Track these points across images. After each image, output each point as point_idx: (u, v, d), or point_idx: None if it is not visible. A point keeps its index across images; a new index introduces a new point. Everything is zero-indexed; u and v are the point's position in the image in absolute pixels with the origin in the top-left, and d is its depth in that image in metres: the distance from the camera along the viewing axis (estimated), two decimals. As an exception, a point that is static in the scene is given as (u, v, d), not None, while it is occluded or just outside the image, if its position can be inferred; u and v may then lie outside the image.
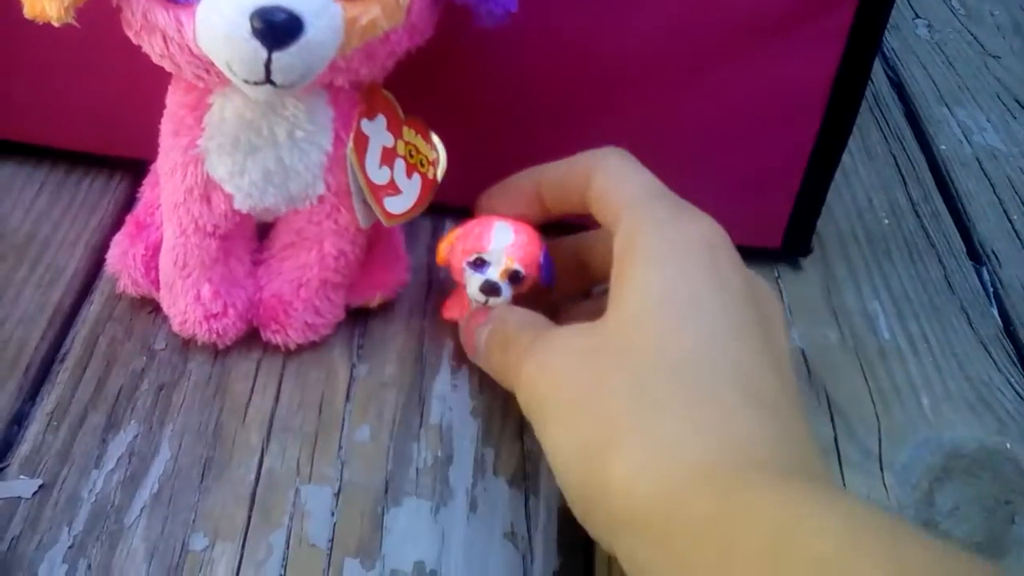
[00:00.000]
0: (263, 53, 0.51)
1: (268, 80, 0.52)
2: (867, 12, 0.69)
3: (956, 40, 1.13)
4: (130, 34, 0.57)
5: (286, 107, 0.58)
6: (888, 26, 1.11)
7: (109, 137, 0.76)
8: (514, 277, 0.58)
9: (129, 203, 0.76)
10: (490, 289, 0.58)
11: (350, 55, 0.56)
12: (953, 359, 0.74)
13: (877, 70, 1.06)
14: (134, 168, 0.77)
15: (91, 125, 0.76)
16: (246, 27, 0.50)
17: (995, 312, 0.79)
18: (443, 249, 0.61)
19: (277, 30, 0.51)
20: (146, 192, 0.69)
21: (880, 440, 0.68)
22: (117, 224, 0.73)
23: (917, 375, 0.73)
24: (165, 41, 0.55)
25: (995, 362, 0.74)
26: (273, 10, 0.51)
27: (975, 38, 1.14)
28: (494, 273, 0.58)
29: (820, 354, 0.73)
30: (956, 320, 0.77)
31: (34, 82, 0.74)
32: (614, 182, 0.58)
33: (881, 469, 0.66)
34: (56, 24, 0.54)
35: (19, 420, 0.62)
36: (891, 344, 0.75)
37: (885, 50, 1.10)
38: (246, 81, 0.53)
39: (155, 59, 0.57)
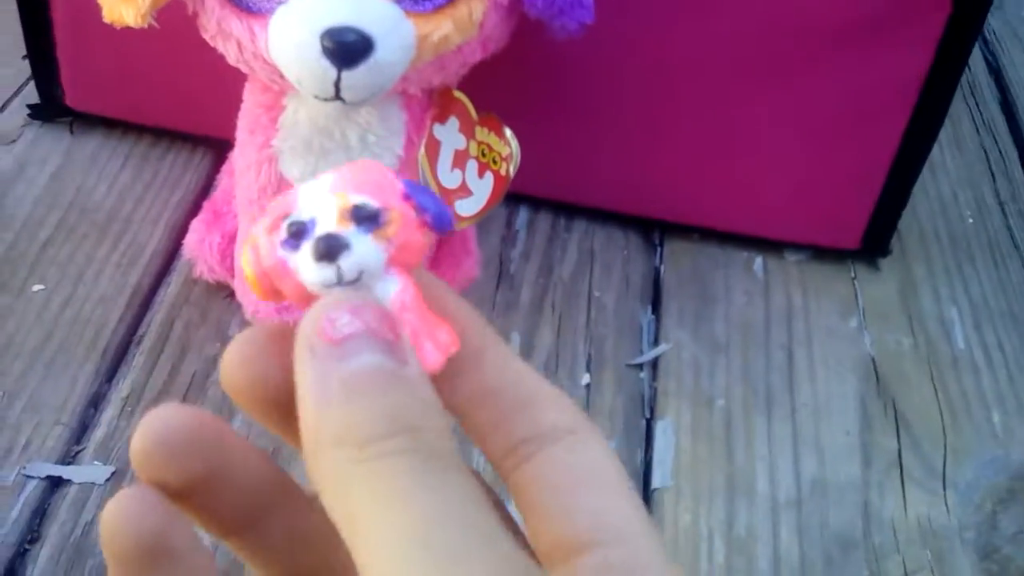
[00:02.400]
0: (333, 72, 0.51)
1: (337, 96, 0.53)
2: (959, 20, 0.67)
3: (1062, 20, 1.10)
4: (206, 37, 0.58)
5: (359, 112, 0.59)
6: (992, 7, 1.08)
7: (192, 115, 0.77)
8: (364, 216, 0.29)
9: (210, 180, 0.77)
10: (327, 249, 0.29)
11: (422, 67, 0.56)
12: (1029, 372, 0.73)
13: (975, 54, 1.03)
14: (215, 145, 0.78)
15: (175, 102, 0.77)
16: (316, 46, 0.51)
17: (1076, 322, 0.77)
18: (246, 267, 0.30)
19: (347, 50, 0.51)
20: (223, 180, 0.70)
21: (945, 456, 0.67)
22: (198, 202, 0.74)
23: (989, 388, 0.72)
24: (240, 48, 0.55)
25: (1071, 377, 0.73)
26: (344, 30, 0.51)
27: (1082, 17, 1.11)
28: (324, 226, 0.29)
29: (891, 362, 0.72)
30: (1035, 329, 0.76)
31: (120, 58, 0.75)
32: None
33: (944, 487, 0.66)
34: (134, 27, 0.55)
35: (95, 403, 0.64)
36: (965, 354, 0.74)
37: (986, 32, 1.06)
38: (316, 97, 0.53)
39: (231, 62, 0.58)
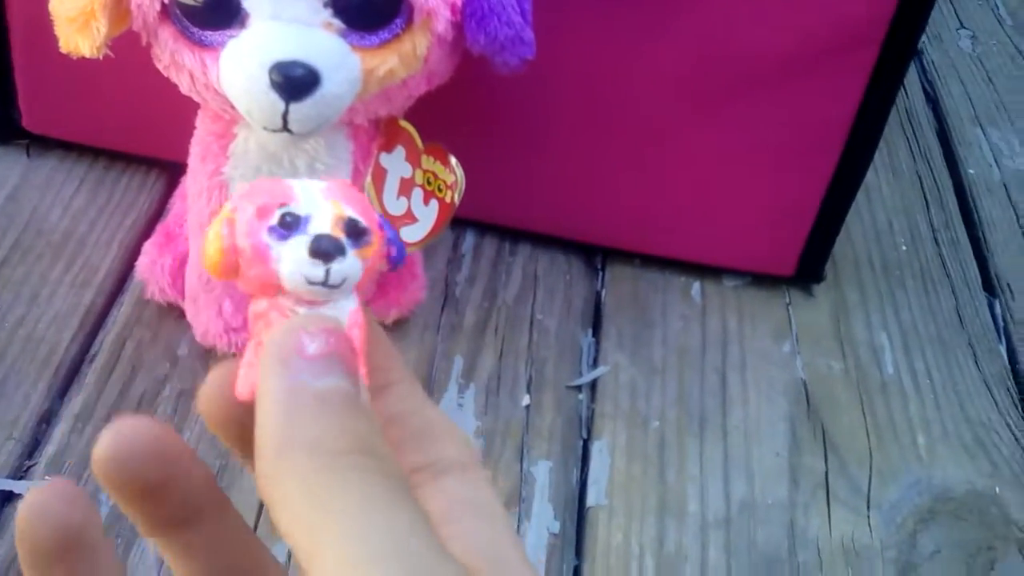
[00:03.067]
0: (280, 105, 0.54)
1: (285, 128, 0.55)
2: (890, 53, 0.70)
3: (999, 53, 1.13)
4: (160, 67, 0.59)
5: (307, 141, 0.61)
6: (930, 36, 1.12)
7: (147, 138, 0.79)
8: (356, 231, 0.31)
9: (163, 202, 0.79)
10: (324, 251, 0.30)
11: (368, 99, 0.58)
12: (954, 397, 0.76)
13: (913, 83, 1.06)
14: (169, 168, 0.80)
15: (130, 125, 0.79)
16: (265, 80, 0.53)
17: (1003, 349, 0.80)
18: (214, 239, 0.31)
19: (295, 84, 0.53)
20: (176, 204, 0.72)
21: (871, 478, 0.70)
22: (151, 224, 0.76)
23: (916, 413, 0.74)
24: (192, 80, 0.58)
25: (996, 403, 0.76)
26: (291, 65, 0.53)
27: (1019, 51, 1.14)
28: (319, 226, 0.30)
29: (822, 386, 0.75)
30: (962, 356, 0.79)
31: (74, 81, 0.77)
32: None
33: (868, 507, 0.68)
34: (89, 57, 0.57)
35: (47, 419, 0.66)
36: (894, 379, 0.76)
37: (924, 62, 1.10)
38: (264, 128, 0.55)
39: (183, 91, 0.60)
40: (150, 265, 0.70)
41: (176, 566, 0.30)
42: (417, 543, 0.24)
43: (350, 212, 0.31)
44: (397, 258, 0.32)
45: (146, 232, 0.76)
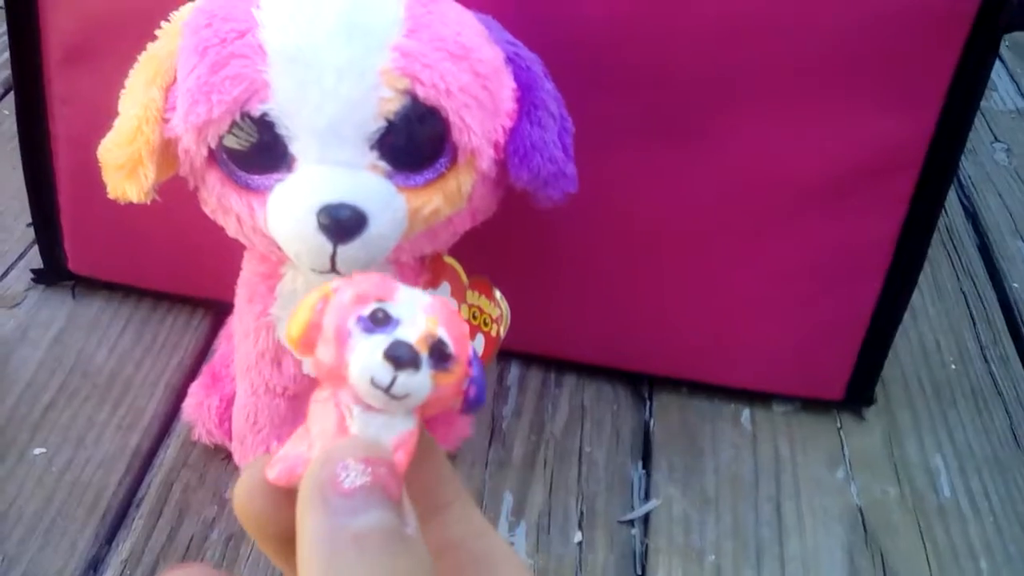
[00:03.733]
0: (328, 247, 0.54)
1: (333, 269, 0.55)
2: (929, 178, 0.70)
3: (1035, 165, 1.13)
4: (207, 211, 0.60)
5: (353, 280, 0.61)
6: (965, 151, 1.12)
7: (192, 279, 0.80)
8: (441, 353, 0.30)
9: (209, 342, 0.79)
10: (399, 357, 0.29)
11: (413, 237, 0.58)
12: (1015, 519, 0.74)
13: (952, 200, 1.06)
14: (214, 308, 0.80)
15: (174, 267, 0.79)
16: (313, 223, 0.53)
17: (1060, 467, 0.79)
18: (305, 310, 0.31)
19: (342, 226, 0.53)
20: (222, 345, 0.72)
21: (934, 607, 0.68)
22: (196, 364, 0.76)
23: (977, 536, 0.73)
24: (239, 223, 0.58)
25: (1058, 523, 0.74)
26: (339, 207, 0.53)
27: (1055, 163, 1.14)
28: (408, 334, 0.30)
29: (878, 511, 0.74)
30: (1020, 476, 0.77)
31: (121, 225, 0.78)
32: None
33: (934, 639, 0.66)
34: (137, 203, 0.57)
35: (95, 566, 0.65)
36: (951, 502, 0.75)
37: (961, 177, 1.10)
38: (312, 269, 0.55)
39: (230, 233, 0.60)
40: (197, 407, 0.70)
41: None
42: None
43: (443, 334, 0.30)
44: (475, 400, 0.31)
45: (192, 372, 0.76)
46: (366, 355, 0.29)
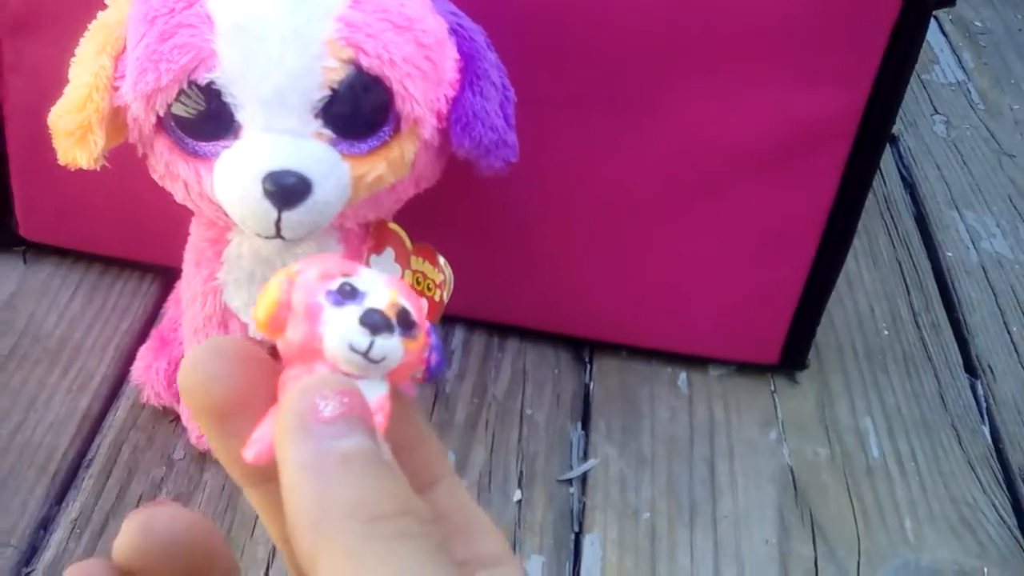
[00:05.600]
0: (274, 213, 0.55)
1: (278, 235, 0.56)
2: (861, 149, 0.72)
3: (973, 137, 1.16)
4: (155, 177, 0.61)
5: (299, 245, 0.62)
6: (905, 123, 1.15)
7: (141, 243, 0.81)
8: (407, 321, 0.32)
9: (158, 307, 0.80)
10: (374, 323, 0.31)
11: (358, 204, 0.60)
12: (940, 479, 0.77)
13: (891, 170, 1.09)
14: (164, 272, 0.81)
15: (125, 232, 0.80)
16: (258, 189, 0.55)
17: (986, 430, 0.81)
18: (272, 291, 0.31)
19: (287, 192, 0.55)
20: (170, 308, 0.73)
21: (859, 562, 0.71)
22: (146, 329, 0.78)
23: (902, 496, 0.75)
24: (186, 189, 0.59)
25: (981, 483, 0.77)
26: (283, 174, 0.55)
27: (992, 135, 1.17)
28: (377, 303, 0.31)
29: (809, 472, 0.76)
30: (946, 438, 0.80)
31: (72, 190, 0.78)
32: None
33: (859, 592, 0.69)
34: (87, 169, 0.58)
35: (45, 525, 0.67)
36: (879, 463, 0.78)
37: (900, 148, 1.12)
38: (257, 235, 0.57)
39: (178, 200, 0.61)
40: (145, 370, 0.71)
41: None
42: None
43: (406, 303, 0.31)
44: (437, 367, 0.33)
45: (141, 337, 0.77)
46: (343, 324, 0.30)
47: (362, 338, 0.30)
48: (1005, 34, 1.34)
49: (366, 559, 0.24)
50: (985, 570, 0.71)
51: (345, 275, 0.31)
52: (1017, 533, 0.74)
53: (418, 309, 0.32)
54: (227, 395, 0.28)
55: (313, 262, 0.31)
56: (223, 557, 0.29)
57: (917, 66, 1.19)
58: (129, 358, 0.74)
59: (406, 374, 0.31)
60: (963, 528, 0.74)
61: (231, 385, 0.29)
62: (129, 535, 0.27)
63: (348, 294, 0.31)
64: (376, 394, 0.31)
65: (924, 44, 1.25)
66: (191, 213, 0.66)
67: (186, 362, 0.29)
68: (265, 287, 0.31)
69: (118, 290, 0.82)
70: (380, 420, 0.31)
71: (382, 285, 0.32)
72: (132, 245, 0.82)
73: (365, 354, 0.30)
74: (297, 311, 0.31)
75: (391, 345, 0.30)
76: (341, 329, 0.30)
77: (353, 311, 0.31)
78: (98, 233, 0.82)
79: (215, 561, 0.29)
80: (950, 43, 1.34)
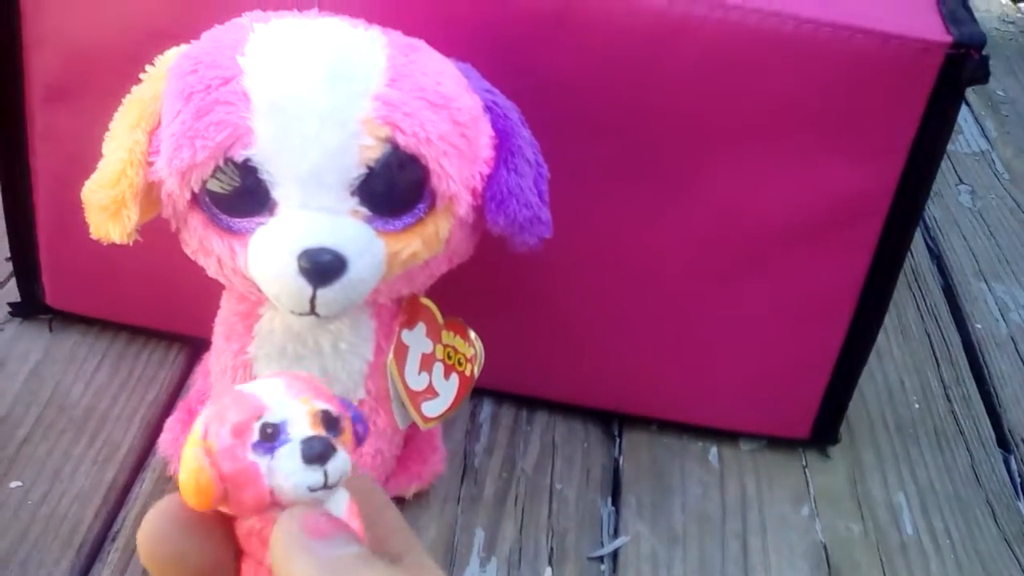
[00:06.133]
0: (309, 290, 0.55)
1: (312, 312, 0.56)
2: (894, 225, 0.72)
3: (999, 207, 1.16)
4: (188, 252, 0.61)
5: (331, 321, 0.62)
6: (931, 194, 1.14)
7: (168, 314, 0.81)
8: (331, 421, 0.31)
9: (184, 377, 0.80)
10: (318, 454, 0.30)
11: (391, 280, 0.59)
12: (976, 556, 0.76)
13: (917, 241, 1.08)
14: (190, 343, 0.81)
15: (152, 302, 0.80)
16: (294, 267, 0.54)
17: (1021, 506, 0.80)
18: (196, 472, 0.30)
19: (323, 270, 0.54)
20: (198, 380, 0.73)
21: (896, 644, 0.70)
22: (172, 399, 0.77)
23: (937, 573, 0.74)
24: (220, 264, 0.59)
25: (1018, 561, 0.76)
26: (320, 252, 0.54)
27: (1018, 205, 1.16)
28: (299, 429, 0.30)
29: (842, 548, 0.75)
30: (981, 514, 0.79)
31: (99, 260, 0.78)
32: None
33: (896, 676, 0.68)
34: (119, 244, 0.58)
35: (70, 600, 0.66)
36: (913, 539, 0.76)
37: (926, 219, 1.12)
38: (292, 311, 0.56)
39: (210, 274, 0.61)
40: (173, 442, 0.71)
41: None
42: None
43: (321, 404, 0.31)
44: (364, 435, 0.33)
45: (167, 407, 0.77)
46: (289, 473, 0.29)
47: (316, 476, 0.30)
48: (1027, 102, 1.35)
49: None
50: (1023, 653, 0.70)
51: (256, 417, 0.30)
52: (1056, 614, 0.73)
53: (328, 396, 0.31)
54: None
55: (215, 419, 0.30)
56: None
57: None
58: (155, 429, 0.74)
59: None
60: (1000, 609, 0.73)
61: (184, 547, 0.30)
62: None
63: (271, 436, 0.30)
64: (344, 501, 0.31)
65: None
66: (220, 285, 0.66)
67: (145, 528, 0.30)
68: (183, 469, 0.31)
69: (144, 360, 0.82)
70: (356, 524, 0.31)
71: (291, 399, 0.31)
72: (159, 315, 0.81)
73: (325, 485, 0.30)
74: (234, 479, 0.30)
75: (339, 460, 0.30)
76: (292, 479, 0.30)
77: (290, 452, 0.30)
78: (125, 302, 0.81)
79: None
80: (973, 112, 1.34)
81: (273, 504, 0.30)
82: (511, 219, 0.60)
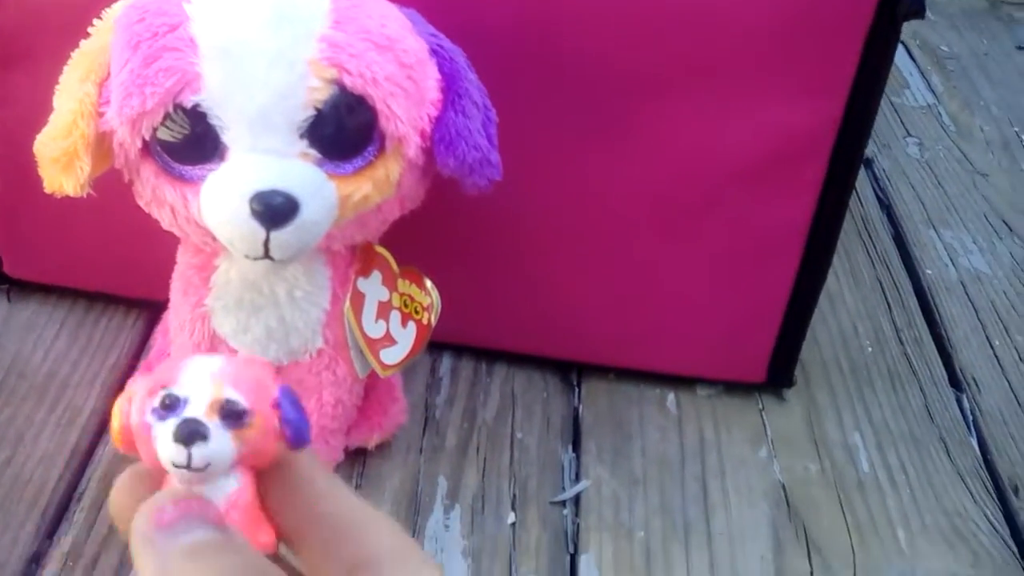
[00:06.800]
0: (261, 233, 0.55)
1: (267, 255, 0.56)
2: (838, 164, 0.73)
3: (946, 158, 1.17)
4: (141, 204, 0.61)
5: (286, 269, 0.63)
6: (879, 145, 1.16)
7: (125, 279, 0.81)
8: (231, 413, 0.32)
9: (144, 341, 0.80)
10: (188, 434, 0.31)
11: (344, 225, 0.60)
12: (931, 491, 0.77)
13: (867, 192, 1.10)
14: (149, 307, 0.81)
15: (108, 267, 0.80)
16: (246, 210, 0.55)
17: (974, 441, 0.82)
18: (116, 415, 0.33)
19: (275, 212, 0.55)
20: (157, 340, 0.73)
21: (855, 574, 0.71)
22: (132, 364, 0.77)
23: (895, 508, 0.76)
24: (173, 214, 0.59)
25: (972, 494, 0.77)
26: (271, 194, 0.55)
27: (964, 155, 1.18)
28: (194, 409, 0.32)
29: (800, 487, 0.76)
30: (935, 450, 0.81)
31: (54, 225, 0.78)
32: None
33: (855, 604, 0.69)
34: (73, 196, 0.58)
35: (37, 559, 0.66)
36: (870, 476, 0.78)
37: (875, 170, 1.13)
38: (246, 256, 0.57)
39: (164, 226, 0.61)
40: (134, 401, 0.71)
41: None
42: None
43: (231, 394, 0.32)
44: (296, 439, 0.33)
45: (128, 372, 0.77)
46: (161, 442, 0.32)
47: (179, 454, 0.31)
48: (971, 58, 1.36)
49: None
50: (980, 578, 0.71)
51: (164, 386, 0.32)
52: (1010, 542, 0.74)
53: (255, 391, 0.33)
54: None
55: (144, 377, 0.33)
56: None
57: (888, 90, 1.21)
58: (117, 392, 0.73)
59: (260, 459, 0.32)
60: (956, 538, 0.74)
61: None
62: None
63: (169, 407, 0.32)
64: (227, 490, 0.32)
65: (894, 69, 1.27)
66: (175, 247, 0.66)
67: (114, 494, 0.32)
68: (114, 406, 0.33)
69: (103, 326, 0.82)
70: (235, 516, 0.32)
71: (207, 381, 0.32)
72: (117, 280, 0.82)
73: (187, 466, 0.31)
74: (137, 433, 0.32)
75: (213, 449, 0.31)
76: (162, 448, 0.31)
77: (169, 427, 0.32)
78: (82, 269, 0.82)
79: None
80: (919, 68, 1.35)
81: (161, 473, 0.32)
82: (460, 160, 0.60)
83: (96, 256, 0.80)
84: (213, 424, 0.32)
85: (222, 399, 0.32)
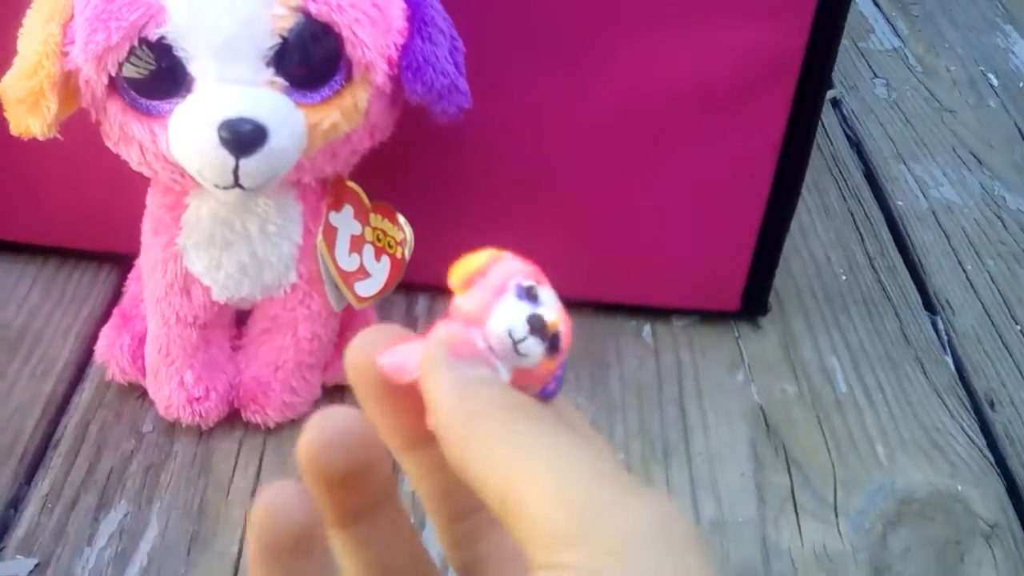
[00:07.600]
0: (231, 161, 0.55)
1: (236, 184, 0.56)
2: (805, 87, 0.73)
3: (913, 97, 1.18)
4: (109, 144, 0.61)
5: (257, 204, 0.63)
6: (847, 87, 1.16)
7: (96, 233, 0.80)
8: (554, 342, 0.35)
9: (117, 294, 0.80)
10: (536, 327, 0.34)
11: (314, 155, 0.60)
12: (908, 408, 0.78)
13: (836, 131, 1.10)
14: (121, 261, 0.81)
15: (78, 222, 0.80)
16: (214, 138, 0.55)
17: (949, 360, 0.83)
18: (479, 260, 0.36)
19: (243, 139, 0.55)
20: (131, 286, 0.73)
21: (835, 488, 0.72)
22: (106, 315, 0.77)
23: (873, 425, 0.76)
24: (142, 151, 0.59)
25: (948, 409, 0.78)
26: (239, 121, 0.55)
27: (931, 94, 1.18)
28: (546, 315, 0.34)
29: (778, 408, 0.77)
30: (911, 370, 0.81)
31: (22, 182, 0.78)
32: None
33: (836, 516, 0.70)
34: (41, 139, 0.58)
35: (15, 504, 0.66)
36: (848, 396, 0.78)
37: (844, 111, 1.14)
38: (216, 186, 0.57)
39: (133, 166, 0.61)
40: (109, 347, 0.71)
41: (349, 562, 0.32)
42: (607, 465, 0.27)
43: (562, 330, 0.35)
44: (552, 392, 0.36)
45: (102, 321, 0.77)
46: (514, 312, 0.34)
47: (522, 330, 0.34)
48: (936, 3, 1.36)
49: (513, 427, 0.29)
50: (959, 487, 0.72)
51: (536, 283, 0.35)
52: (987, 452, 0.75)
53: (567, 339, 0.35)
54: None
55: (520, 261, 0.35)
56: (386, 459, 0.32)
57: (853, 35, 1.22)
58: (91, 342, 0.74)
59: (525, 383, 0.34)
60: (934, 451, 0.75)
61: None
62: (309, 431, 0.30)
63: (530, 296, 0.35)
64: (508, 374, 0.34)
65: (858, 15, 1.28)
66: (144, 192, 0.66)
67: (355, 341, 0.32)
68: (475, 254, 0.36)
69: (76, 281, 0.82)
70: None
71: (555, 307, 0.35)
72: (86, 235, 0.81)
73: (515, 343, 0.34)
74: (489, 283, 0.35)
75: (537, 350, 0.34)
76: (510, 315, 0.34)
77: (526, 307, 0.34)
78: (52, 225, 0.81)
79: (381, 462, 0.32)
80: (883, 13, 1.36)
81: (479, 323, 0.34)
82: (428, 87, 0.60)
83: (65, 211, 0.79)
84: (543, 337, 0.34)
85: (558, 328, 0.35)
